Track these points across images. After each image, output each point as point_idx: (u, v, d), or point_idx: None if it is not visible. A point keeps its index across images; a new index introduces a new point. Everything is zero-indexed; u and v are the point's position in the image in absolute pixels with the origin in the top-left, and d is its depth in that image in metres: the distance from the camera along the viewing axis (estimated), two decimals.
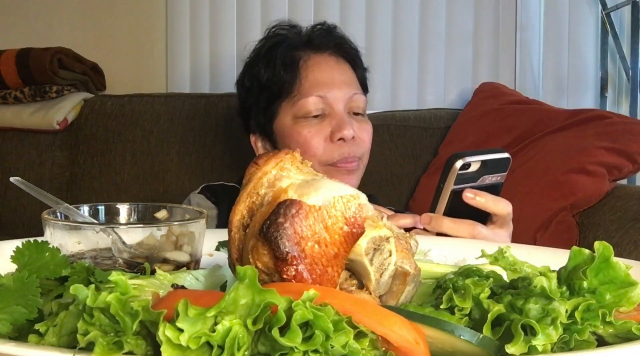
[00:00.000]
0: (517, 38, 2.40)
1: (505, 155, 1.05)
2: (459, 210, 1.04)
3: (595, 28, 2.41)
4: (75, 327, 0.48)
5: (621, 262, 0.58)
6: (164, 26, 2.36)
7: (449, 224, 1.04)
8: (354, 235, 0.57)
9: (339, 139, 1.48)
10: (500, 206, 1.07)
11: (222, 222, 0.71)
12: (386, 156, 2.06)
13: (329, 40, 1.60)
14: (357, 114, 1.55)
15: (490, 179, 1.05)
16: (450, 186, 1.03)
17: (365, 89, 1.65)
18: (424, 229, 1.06)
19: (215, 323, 0.46)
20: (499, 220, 1.09)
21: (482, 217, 1.07)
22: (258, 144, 1.62)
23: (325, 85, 1.52)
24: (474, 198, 1.05)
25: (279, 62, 1.56)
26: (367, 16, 2.34)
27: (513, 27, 2.40)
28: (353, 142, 1.49)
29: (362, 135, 1.53)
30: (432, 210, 1.06)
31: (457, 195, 1.03)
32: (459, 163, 1.01)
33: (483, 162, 1.03)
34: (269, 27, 1.65)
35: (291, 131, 1.51)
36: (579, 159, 1.80)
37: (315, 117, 1.50)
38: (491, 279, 0.60)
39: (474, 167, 1.03)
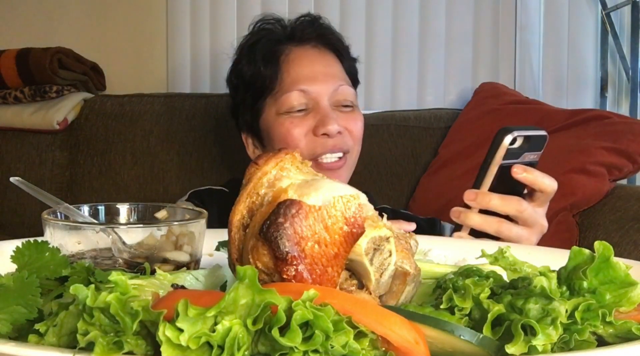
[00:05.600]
0: (516, 38, 2.40)
1: (544, 132, 1.04)
2: (499, 187, 1.02)
3: (595, 28, 2.41)
4: (75, 327, 0.48)
5: (621, 262, 0.58)
6: (164, 26, 2.36)
7: (496, 200, 1.01)
8: (354, 235, 0.57)
9: (323, 134, 1.43)
10: (547, 182, 1.04)
11: (211, 226, 0.70)
12: (386, 156, 2.06)
13: (312, 32, 1.55)
14: (345, 106, 1.50)
15: (529, 157, 1.03)
16: (499, 161, 1.00)
17: (354, 80, 1.60)
18: (465, 205, 1.03)
19: (215, 323, 0.46)
20: (541, 198, 1.06)
21: (518, 194, 1.04)
22: (249, 141, 1.60)
23: (307, 79, 1.48)
24: (523, 173, 1.02)
25: (260, 58, 1.53)
26: (367, 16, 2.34)
27: (513, 27, 2.40)
28: (339, 136, 1.45)
29: (350, 126, 1.48)
30: (476, 186, 1.02)
31: (501, 171, 1.01)
32: (508, 138, 0.99)
33: (526, 138, 1.01)
34: (254, 22, 1.62)
35: (274, 124, 1.48)
36: (579, 159, 1.80)
37: (299, 111, 1.46)
38: (491, 279, 0.60)
39: (517, 143, 1.01)
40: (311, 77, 1.48)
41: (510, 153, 1.00)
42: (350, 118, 1.49)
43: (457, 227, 1.05)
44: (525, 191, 1.07)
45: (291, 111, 1.46)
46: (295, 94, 1.46)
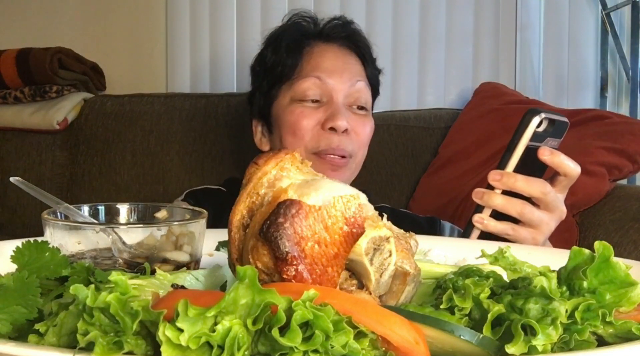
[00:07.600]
0: (517, 38, 2.40)
1: (566, 119, 1.03)
2: (520, 170, 1.01)
3: (595, 28, 2.41)
4: (75, 327, 0.48)
5: (621, 262, 0.58)
6: (164, 26, 2.36)
7: (521, 182, 1.00)
8: (354, 235, 0.57)
9: (330, 128, 1.43)
10: (572, 166, 1.03)
11: (207, 225, 0.70)
12: (386, 156, 2.06)
13: (341, 32, 1.58)
14: (359, 109, 1.51)
15: (551, 143, 1.02)
16: (526, 142, 0.99)
17: (374, 90, 1.61)
18: (488, 186, 1.01)
19: (215, 323, 0.46)
20: (563, 182, 1.05)
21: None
22: (257, 129, 1.61)
23: (326, 70, 1.49)
24: (550, 155, 1.01)
25: (284, 46, 1.55)
26: (367, 16, 2.34)
27: (513, 27, 2.40)
28: (345, 135, 1.45)
29: (358, 128, 1.48)
30: (501, 167, 1.01)
31: (525, 153, 1.00)
32: (536, 119, 0.98)
33: (551, 122, 1.00)
34: (289, 15, 1.65)
35: (285, 111, 1.49)
36: (579, 159, 1.78)
37: (313, 102, 1.47)
38: (491, 279, 0.60)
39: (542, 126, 1.00)
40: (330, 69, 1.50)
41: (535, 136, 0.99)
42: (360, 121, 1.50)
43: (478, 209, 1.03)
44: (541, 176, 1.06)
45: (304, 100, 1.47)
46: (311, 81, 1.48)
